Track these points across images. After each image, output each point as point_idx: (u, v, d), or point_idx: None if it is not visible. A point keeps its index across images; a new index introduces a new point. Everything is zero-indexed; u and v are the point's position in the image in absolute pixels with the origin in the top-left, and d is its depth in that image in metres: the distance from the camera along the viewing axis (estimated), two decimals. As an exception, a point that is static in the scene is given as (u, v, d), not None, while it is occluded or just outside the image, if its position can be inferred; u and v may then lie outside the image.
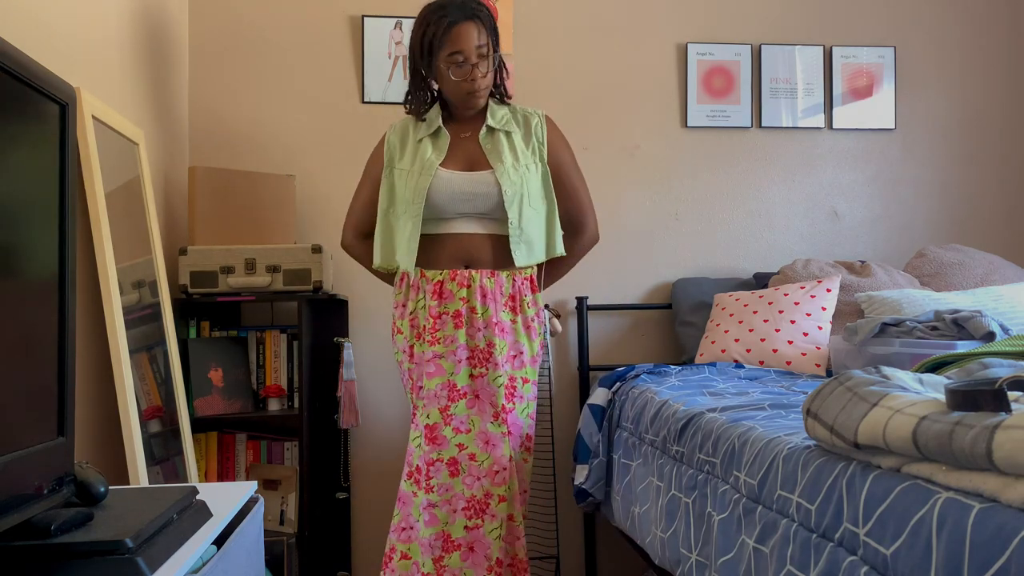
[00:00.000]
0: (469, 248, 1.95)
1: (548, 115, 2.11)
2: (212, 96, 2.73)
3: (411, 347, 1.97)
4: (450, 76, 1.89)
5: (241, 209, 2.43)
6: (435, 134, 1.99)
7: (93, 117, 1.86)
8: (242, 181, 2.44)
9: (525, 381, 1.97)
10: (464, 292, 1.92)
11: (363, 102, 2.79)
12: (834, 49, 2.99)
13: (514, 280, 1.97)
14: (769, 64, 2.96)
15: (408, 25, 2.78)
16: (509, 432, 1.90)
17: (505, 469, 1.89)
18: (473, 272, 1.93)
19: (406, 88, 2.01)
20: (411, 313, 1.97)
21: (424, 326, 1.93)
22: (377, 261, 2.01)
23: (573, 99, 2.91)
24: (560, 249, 2.02)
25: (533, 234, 1.97)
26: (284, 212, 2.51)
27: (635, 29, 2.94)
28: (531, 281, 2.02)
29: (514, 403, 1.94)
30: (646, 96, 2.94)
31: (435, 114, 2.00)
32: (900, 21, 3.06)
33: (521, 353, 1.97)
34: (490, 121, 1.98)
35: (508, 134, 1.99)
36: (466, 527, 1.87)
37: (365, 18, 2.78)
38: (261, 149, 2.75)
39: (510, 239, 1.94)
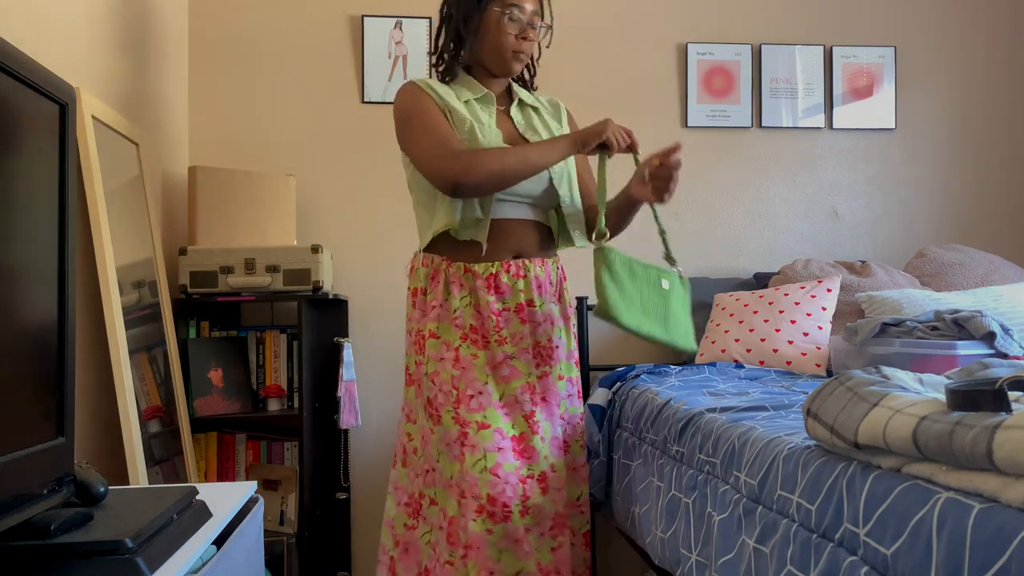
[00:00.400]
0: (519, 236, 1.76)
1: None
2: (212, 96, 2.73)
3: (456, 350, 1.68)
4: (503, 26, 1.70)
5: (241, 209, 2.43)
6: (483, 99, 1.78)
7: (93, 117, 1.86)
8: (242, 181, 2.44)
9: (560, 378, 1.79)
10: (521, 284, 1.73)
11: (363, 102, 2.79)
12: (834, 49, 2.99)
13: (558, 269, 1.83)
14: (769, 64, 2.96)
15: (408, 25, 2.78)
16: (567, 433, 1.79)
17: (577, 471, 1.79)
18: (527, 261, 1.74)
19: (439, 44, 1.80)
20: (453, 312, 1.70)
21: (472, 325, 1.69)
22: (455, 217, 1.69)
23: (573, 99, 2.90)
24: (584, 240, 1.85)
25: (579, 212, 1.85)
26: (284, 212, 2.51)
27: (635, 29, 2.94)
28: (561, 269, 1.85)
29: (572, 403, 1.82)
30: (646, 96, 2.94)
31: (469, 80, 1.78)
32: (900, 21, 3.06)
33: (558, 347, 1.78)
34: (524, 96, 1.85)
35: (536, 110, 1.86)
36: (552, 548, 1.65)
37: (365, 18, 2.78)
38: (261, 149, 2.75)
39: (565, 219, 1.80)
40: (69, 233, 0.90)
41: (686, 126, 2.94)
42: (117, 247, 1.91)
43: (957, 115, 3.08)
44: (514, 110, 1.83)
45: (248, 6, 2.75)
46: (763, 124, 2.96)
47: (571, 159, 1.83)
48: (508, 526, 1.58)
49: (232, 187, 2.42)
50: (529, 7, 1.72)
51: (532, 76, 1.94)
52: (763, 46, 2.96)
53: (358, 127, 2.79)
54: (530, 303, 1.74)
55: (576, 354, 1.85)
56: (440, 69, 1.81)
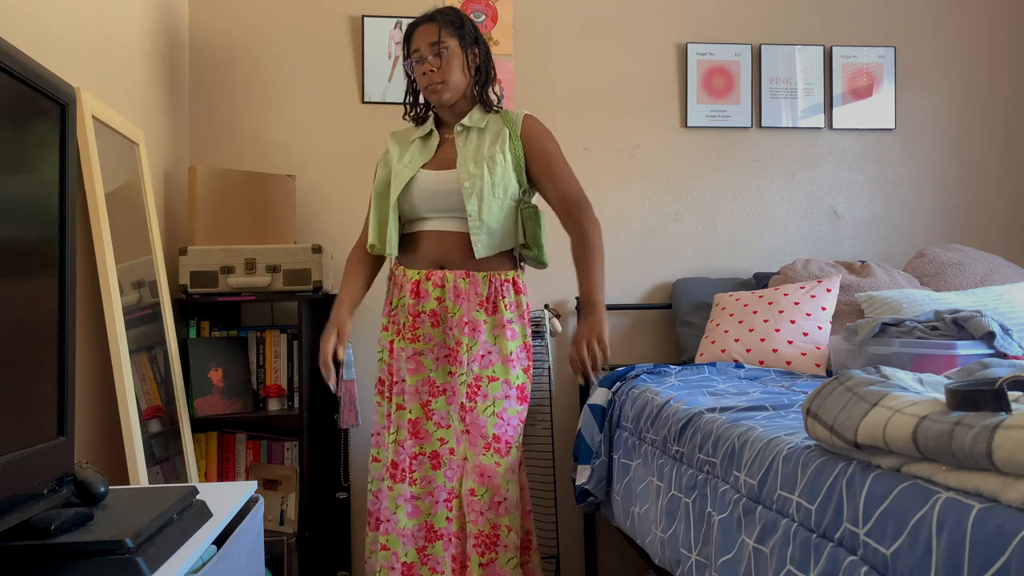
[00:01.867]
0: (443, 248, 1.99)
1: (532, 114, 2.09)
2: (212, 96, 2.73)
3: (391, 343, 2.02)
4: (415, 73, 2.00)
5: (241, 209, 2.43)
6: (427, 136, 2.07)
7: (93, 117, 1.86)
8: (242, 181, 2.44)
9: (492, 380, 1.95)
10: (438, 292, 1.97)
11: (363, 102, 2.79)
12: (834, 49, 2.99)
13: (490, 281, 1.98)
14: (769, 64, 2.96)
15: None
16: (467, 431, 1.92)
17: (459, 467, 1.92)
18: (447, 273, 1.97)
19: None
20: (393, 309, 2.03)
21: (404, 323, 1.98)
22: (368, 241, 2.05)
23: (573, 99, 2.91)
24: (524, 237, 2.00)
25: (495, 224, 1.96)
26: (284, 212, 2.51)
27: (635, 29, 2.94)
28: (514, 283, 2.01)
29: (475, 402, 1.93)
30: (646, 96, 2.94)
31: (431, 120, 2.10)
32: (900, 21, 3.06)
33: (490, 352, 1.96)
34: (465, 120, 2.03)
35: (481, 130, 2.03)
36: (447, 518, 1.92)
37: (365, 18, 2.78)
38: (261, 149, 2.75)
39: (470, 231, 1.95)
40: (69, 233, 0.90)
41: (686, 126, 2.94)
42: (117, 247, 1.91)
43: (957, 115, 3.08)
44: (457, 134, 2.03)
45: (248, 6, 2.75)
46: (763, 124, 2.97)
47: (496, 169, 1.95)
48: (403, 486, 1.92)
49: (232, 187, 2.42)
50: (425, 41, 1.97)
51: (485, 98, 2.06)
52: (763, 46, 2.96)
53: (358, 127, 2.79)
54: (446, 310, 1.96)
55: (524, 360, 1.99)
56: (411, 116, 2.14)
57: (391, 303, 2.05)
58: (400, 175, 2.00)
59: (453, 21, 1.99)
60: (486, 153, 1.97)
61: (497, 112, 2.07)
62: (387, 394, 2.02)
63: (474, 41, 2.02)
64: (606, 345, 1.89)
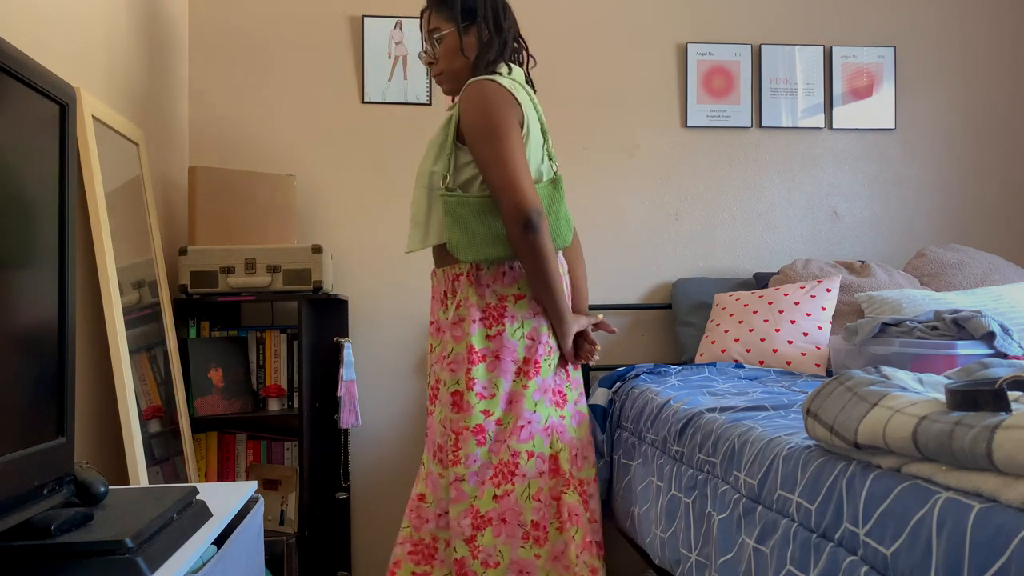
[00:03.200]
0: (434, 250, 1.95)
1: (488, 79, 1.74)
2: (212, 96, 2.73)
3: None
4: None
5: (241, 209, 2.43)
6: None
7: (93, 117, 1.86)
8: (242, 181, 2.44)
9: (441, 383, 1.83)
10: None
11: (363, 102, 2.79)
12: (834, 49, 2.99)
13: (446, 277, 1.85)
14: (769, 64, 2.96)
15: (408, 25, 2.78)
16: (427, 435, 1.85)
17: (453, 484, 1.77)
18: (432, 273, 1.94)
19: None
20: None
21: None
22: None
23: (573, 99, 2.91)
24: (444, 235, 1.77)
25: (419, 215, 1.84)
26: (284, 212, 2.51)
27: (635, 29, 2.94)
28: (467, 276, 1.79)
29: (434, 406, 1.84)
30: (646, 96, 2.94)
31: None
32: (900, 21, 3.06)
33: (445, 356, 1.82)
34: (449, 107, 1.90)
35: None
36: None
37: (365, 18, 2.78)
38: (261, 149, 2.75)
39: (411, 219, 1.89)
40: (69, 233, 0.90)
41: (686, 126, 2.94)
42: (117, 247, 1.91)
43: (957, 115, 3.08)
44: None
45: (248, 6, 2.75)
46: (763, 124, 2.97)
47: (429, 155, 1.81)
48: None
49: (232, 187, 2.42)
50: (425, 34, 1.85)
51: (494, 68, 1.82)
52: (763, 46, 2.96)
53: (358, 127, 2.79)
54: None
55: (462, 363, 1.76)
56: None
57: None
58: None
59: (444, 2, 1.79)
60: (434, 139, 1.84)
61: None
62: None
63: (470, 15, 1.77)
64: None
